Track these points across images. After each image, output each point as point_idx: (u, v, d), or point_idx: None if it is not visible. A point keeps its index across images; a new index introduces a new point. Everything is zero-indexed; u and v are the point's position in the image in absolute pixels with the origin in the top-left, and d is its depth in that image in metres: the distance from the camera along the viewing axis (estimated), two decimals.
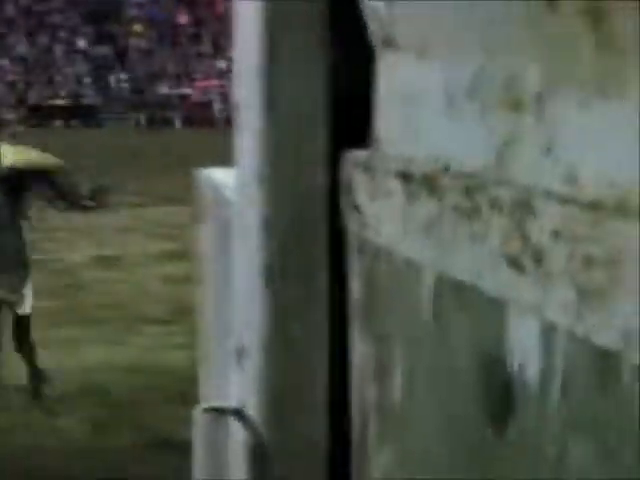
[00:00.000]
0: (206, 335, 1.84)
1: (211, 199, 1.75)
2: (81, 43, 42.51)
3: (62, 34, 42.75)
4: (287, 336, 1.19)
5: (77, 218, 13.04)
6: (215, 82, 40.11)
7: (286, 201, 1.18)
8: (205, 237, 1.81)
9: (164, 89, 39.94)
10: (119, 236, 12.18)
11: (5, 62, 40.69)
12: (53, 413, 6.00)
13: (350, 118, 1.18)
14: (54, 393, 6.30)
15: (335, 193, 1.19)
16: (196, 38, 42.68)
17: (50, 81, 40.32)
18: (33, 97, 39.50)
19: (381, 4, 1.06)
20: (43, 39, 42.41)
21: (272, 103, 1.18)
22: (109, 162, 22.19)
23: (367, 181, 1.10)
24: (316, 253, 1.19)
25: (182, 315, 7.70)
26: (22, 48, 41.61)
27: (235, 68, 1.35)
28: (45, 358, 6.64)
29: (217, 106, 39.46)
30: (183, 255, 10.78)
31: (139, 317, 8.50)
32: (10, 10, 43.65)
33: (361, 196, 1.12)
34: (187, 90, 39.96)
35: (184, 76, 40.47)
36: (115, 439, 5.60)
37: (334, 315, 1.21)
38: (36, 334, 7.22)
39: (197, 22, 43.62)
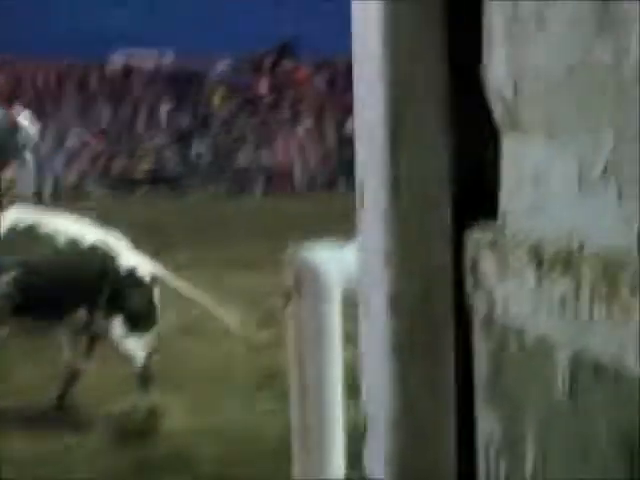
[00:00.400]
0: (303, 409, 1.84)
1: (307, 274, 1.77)
2: (162, 114, 43.27)
3: (144, 105, 43.59)
4: (415, 413, 1.20)
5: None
6: (294, 149, 40.47)
7: (413, 280, 1.20)
8: (302, 311, 1.83)
9: (244, 157, 40.40)
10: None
11: (90, 135, 41.56)
12: None
13: (471, 196, 1.20)
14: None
15: (458, 271, 1.20)
16: (276, 105, 43.20)
17: (132, 153, 41.05)
18: (116, 168, 40.22)
19: (506, 86, 1.08)
20: (126, 110, 43.27)
21: (398, 183, 1.20)
22: (191, 231, 22.46)
23: (494, 260, 1.11)
24: (443, 331, 1.20)
25: (268, 381, 7.71)
26: (106, 120, 42.48)
27: (357, 145, 1.37)
28: (135, 425, 6.70)
29: (297, 173, 39.78)
30: (265, 322, 10.84)
31: (226, 384, 8.52)
32: (93, 82, 44.69)
33: (488, 275, 1.13)
34: (267, 157, 40.37)
35: (264, 144, 40.92)
36: None
37: (459, 392, 1.22)
38: (125, 399, 7.31)
39: (277, 89, 44.17)
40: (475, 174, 1.20)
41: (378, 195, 1.23)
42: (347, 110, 43.10)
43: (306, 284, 1.75)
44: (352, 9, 1.51)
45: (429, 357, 1.19)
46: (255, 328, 10.55)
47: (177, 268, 14.97)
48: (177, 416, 7.69)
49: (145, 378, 8.18)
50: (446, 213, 1.19)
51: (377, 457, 1.23)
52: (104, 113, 42.89)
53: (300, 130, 41.56)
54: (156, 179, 39.07)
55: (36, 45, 44.88)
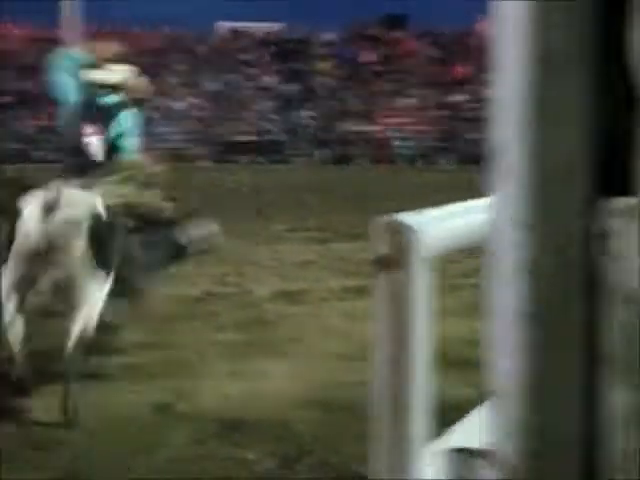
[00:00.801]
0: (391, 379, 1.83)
1: (403, 243, 1.75)
2: (269, 80, 43.51)
3: (251, 72, 43.86)
4: (543, 379, 1.20)
5: (262, 252, 13.36)
6: (398, 120, 40.29)
7: (549, 248, 1.19)
8: (402, 280, 1.81)
9: (349, 126, 40.38)
10: (302, 271, 12.31)
11: (196, 99, 42.01)
12: (239, 445, 6.09)
13: (607, 167, 1.18)
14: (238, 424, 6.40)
15: (592, 241, 1.19)
16: (381, 76, 43.03)
17: (238, 118, 41.37)
18: (221, 133, 40.60)
19: None
20: (233, 76, 43.60)
21: (538, 150, 1.19)
22: (293, 198, 22.59)
23: (630, 230, 1.09)
24: (575, 300, 1.19)
25: (361, 351, 7.73)
26: (212, 85, 42.88)
27: (493, 111, 1.38)
28: (234, 389, 6.78)
29: (397, 143, 39.61)
30: (363, 291, 10.85)
31: (320, 352, 8.55)
32: (202, 49, 45.10)
33: (624, 245, 1.11)
34: (371, 127, 40.28)
35: (368, 113, 40.83)
36: (302, 474, 5.64)
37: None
38: (225, 366, 7.40)
39: (383, 60, 43.98)
40: (612, 144, 1.19)
41: (517, 165, 1.22)
42: (453, 83, 42.82)
43: (402, 253, 1.74)
44: None
45: (560, 325, 1.18)
46: (353, 296, 10.58)
47: (272, 236, 15.16)
48: (276, 382, 7.83)
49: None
50: (583, 182, 1.17)
51: (504, 425, 1.23)
52: (211, 78, 43.33)
53: (405, 101, 41.42)
54: (261, 145, 39.36)
55: (147, 14, 45.53)
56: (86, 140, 7.57)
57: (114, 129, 7.66)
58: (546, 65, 1.22)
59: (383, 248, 1.76)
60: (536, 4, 1.25)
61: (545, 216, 1.22)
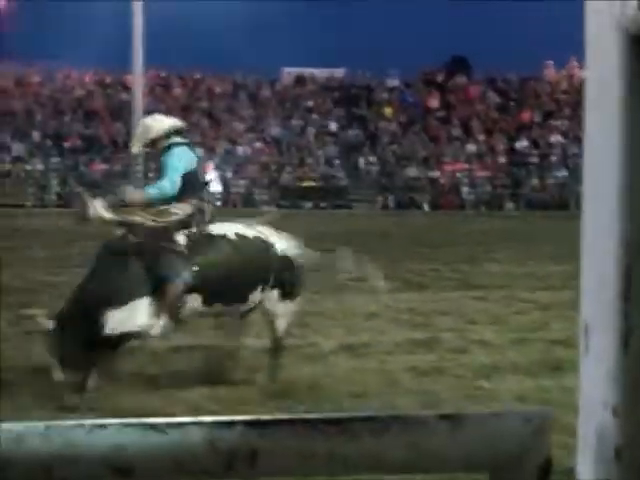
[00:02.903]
0: None
1: None
2: (332, 126, 43.50)
3: (314, 117, 43.90)
4: None
5: (325, 302, 13.08)
6: (464, 166, 39.99)
7: None
8: None
9: (413, 172, 40.15)
10: (366, 322, 12.02)
11: (260, 144, 42.12)
12: None
13: None
14: None
15: None
16: (446, 121, 42.82)
17: (301, 163, 41.36)
18: (285, 178, 40.60)
19: None
20: (296, 122, 43.68)
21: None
22: (356, 245, 22.33)
23: None
24: None
25: (429, 408, 7.41)
26: (276, 130, 42.98)
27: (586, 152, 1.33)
28: None
29: (465, 190, 39.27)
30: (429, 345, 10.54)
31: (388, 408, 8.23)
32: (267, 94, 45.30)
33: None
34: (435, 173, 40.01)
35: (433, 159, 40.59)
36: None
37: None
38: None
39: (447, 106, 43.79)
40: None
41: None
42: (519, 128, 42.45)
43: None
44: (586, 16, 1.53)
45: None
46: (417, 350, 10.32)
47: (336, 285, 14.88)
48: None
49: (278, 348, 9.23)
50: None
51: None
52: (275, 124, 43.42)
53: (470, 147, 41.10)
54: (324, 190, 39.27)
55: (211, 58, 45.91)
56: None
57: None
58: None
59: None
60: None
61: None
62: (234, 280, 8.73)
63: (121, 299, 8.27)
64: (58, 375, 8.00)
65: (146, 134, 8.81)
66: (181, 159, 8.66)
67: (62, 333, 8.11)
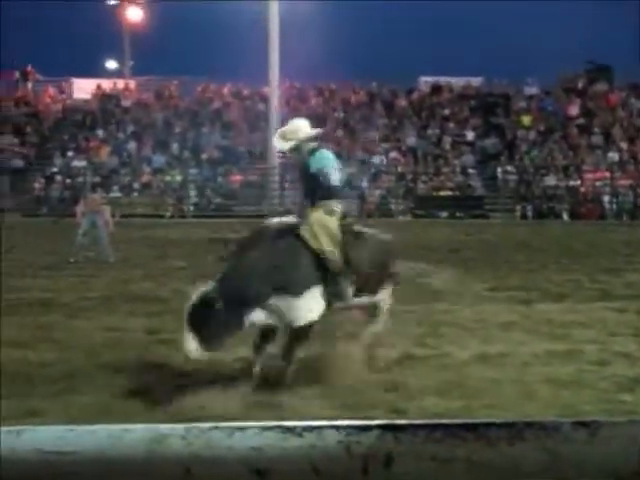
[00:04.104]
0: None
1: None
2: (469, 135, 43.17)
3: (451, 126, 43.64)
4: None
5: (461, 313, 12.97)
6: (605, 174, 39.13)
7: None
8: None
9: (552, 181, 39.50)
10: (503, 332, 11.85)
11: (395, 153, 42.08)
12: None
13: None
14: None
15: None
16: (586, 129, 42.00)
17: (437, 172, 41.16)
18: (421, 188, 40.46)
19: None
20: (432, 131, 43.50)
21: None
22: (494, 255, 22.10)
23: None
24: None
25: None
26: (412, 140, 42.88)
27: None
28: None
29: (607, 199, 38.43)
30: (568, 356, 10.33)
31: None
32: (403, 103, 45.25)
33: None
34: (576, 182, 39.27)
35: (573, 168, 39.86)
36: None
37: None
38: None
39: (588, 113, 42.96)
40: None
41: None
42: None
43: None
44: None
45: None
46: (555, 362, 10.12)
47: (473, 296, 14.75)
48: None
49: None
50: None
51: None
52: (411, 133, 43.34)
53: (612, 155, 40.21)
54: (461, 200, 38.97)
55: (346, 68, 46.15)
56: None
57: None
58: None
59: None
60: None
61: None
62: (372, 273, 8.95)
63: (299, 288, 8.39)
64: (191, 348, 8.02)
65: (296, 133, 8.88)
66: (332, 160, 8.94)
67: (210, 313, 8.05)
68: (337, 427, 1.64)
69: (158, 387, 8.50)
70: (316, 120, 43.81)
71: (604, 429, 1.69)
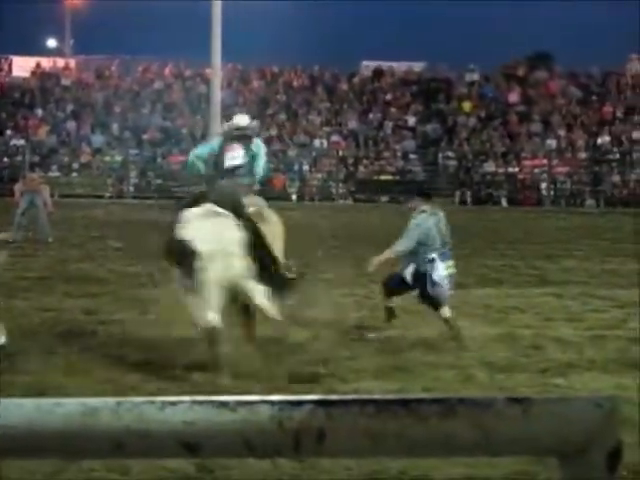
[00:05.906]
0: None
1: None
2: (410, 120, 43.28)
3: (392, 111, 43.72)
4: None
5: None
6: (543, 161, 39.50)
7: None
8: None
9: (491, 167, 39.80)
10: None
11: (337, 137, 42.09)
12: None
13: None
14: None
15: None
16: (526, 117, 42.34)
17: (378, 157, 41.25)
18: (362, 172, 40.53)
19: None
20: (374, 115, 43.56)
21: None
22: None
23: None
24: None
25: None
26: (354, 124, 42.90)
27: None
28: None
29: (544, 186, 38.82)
30: (504, 341, 10.44)
31: None
32: (343, 87, 45.26)
33: None
34: (514, 169, 39.60)
35: (512, 155, 40.18)
36: None
37: None
38: None
39: (528, 100, 43.30)
40: None
41: None
42: (600, 123, 41.78)
43: None
44: None
45: None
46: (493, 346, 10.22)
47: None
48: None
49: None
50: None
51: None
52: (352, 117, 43.35)
53: (550, 142, 40.56)
54: (401, 184, 39.07)
55: (290, 51, 46.07)
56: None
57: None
58: None
59: None
60: None
61: None
62: None
63: None
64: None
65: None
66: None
67: None
68: (270, 402, 1.64)
69: (95, 367, 8.48)
70: (258, 103, 43.64)
71: (537, 406, 1.70)
